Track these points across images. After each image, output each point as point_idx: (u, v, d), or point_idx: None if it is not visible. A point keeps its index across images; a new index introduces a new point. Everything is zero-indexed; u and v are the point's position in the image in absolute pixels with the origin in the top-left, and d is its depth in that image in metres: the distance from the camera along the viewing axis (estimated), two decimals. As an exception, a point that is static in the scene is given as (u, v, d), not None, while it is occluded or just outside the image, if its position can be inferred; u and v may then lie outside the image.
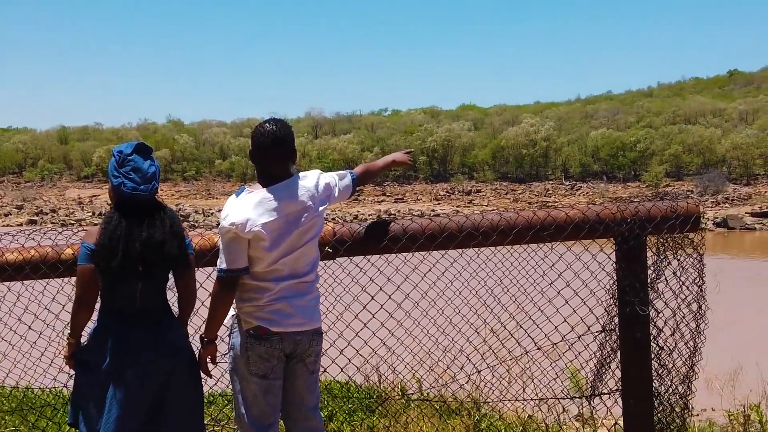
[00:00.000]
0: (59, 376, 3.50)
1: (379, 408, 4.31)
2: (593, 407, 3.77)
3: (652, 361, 3.49)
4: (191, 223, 38.10)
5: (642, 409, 3.48)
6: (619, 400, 3.58)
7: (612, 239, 3.45)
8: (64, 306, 3.22)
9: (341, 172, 3.03)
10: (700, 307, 3.45)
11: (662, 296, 3.47)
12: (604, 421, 3.95)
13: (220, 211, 2.93)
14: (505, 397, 3.84)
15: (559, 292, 3.56)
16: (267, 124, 2.74)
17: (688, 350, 3.49)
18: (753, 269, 20.16)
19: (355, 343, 3.61)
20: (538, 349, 3.72)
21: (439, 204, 46.34)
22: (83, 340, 2.74)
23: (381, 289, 3.51)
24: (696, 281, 3.45)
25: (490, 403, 4.07)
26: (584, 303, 3.55)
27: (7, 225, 36.13)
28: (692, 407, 3.63)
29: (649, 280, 3.44)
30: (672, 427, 3.53)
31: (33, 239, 3.30)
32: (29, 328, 3.47)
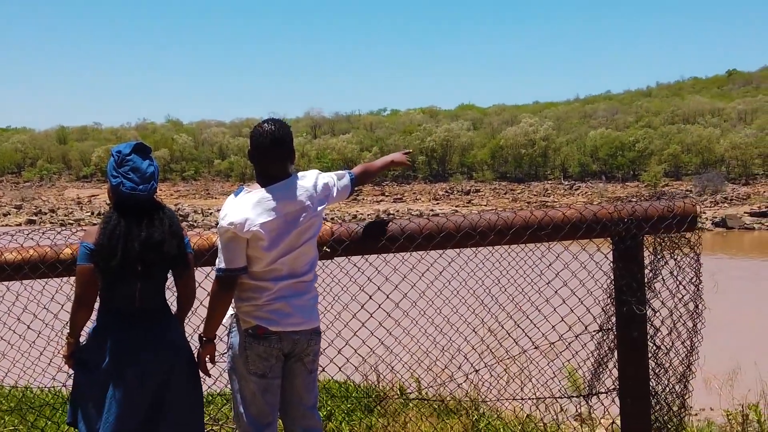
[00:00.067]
0: (58, 375, 3.50)
1: (378, 407, 4.31)
2: (591, 406, 3.78)
3: (649, 361, 3.50)
4: (190, 222, 38.04)
5: (639, 408, 3.49)
6: (617, 399, 3.59)
7: (609, 239, 3.46)
8: (63, 305, 3.23)
9: (340, 172, 3.03)
10: (696, 306, 3.46)
11: (659, 296, 3.49)
12: (601, 420, 3.96)
13: (218, 210, 2.94)
14: (503, 396, 3.84)
15: (556, 292, 3.58)
16: (265, 124, 2.75)
17: (685, 349, 3.50)
18: (752, 269, 20.19)
19: (353, 342, 3.61)
20: (536, 348, 3.73)
21: (438, 204, 46.29)
22: (82, 339, 2.75)
23: (379, 288, 3.52)
24: (693, 281, 3.46)
25: (488, 403, 4.08)
26: (581, 302, 3.55)
27: (6, 225, 36.05)
28: (690, 406, 3.64)
29: (646, 280, 3.46)
30: (669, 426, 3.54)
31: (32, 239, 3.30)
32: (28, 327, 3.47)
